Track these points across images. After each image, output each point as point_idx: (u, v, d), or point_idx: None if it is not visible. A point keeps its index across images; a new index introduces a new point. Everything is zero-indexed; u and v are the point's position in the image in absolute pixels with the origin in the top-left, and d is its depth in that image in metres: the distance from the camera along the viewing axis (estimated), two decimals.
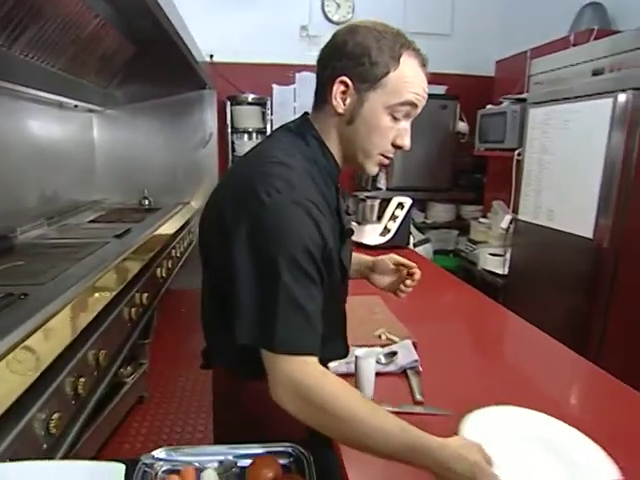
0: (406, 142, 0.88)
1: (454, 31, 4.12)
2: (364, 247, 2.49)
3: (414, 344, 1.24)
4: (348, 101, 0.84)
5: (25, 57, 2.13)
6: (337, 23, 3.96)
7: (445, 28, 4.11)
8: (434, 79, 3.87)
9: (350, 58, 0.82)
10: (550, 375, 1.25)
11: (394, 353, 1.16)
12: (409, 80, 0.83)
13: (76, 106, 3.14)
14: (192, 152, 3.75)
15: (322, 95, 0.88)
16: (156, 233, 2.57)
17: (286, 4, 3.89)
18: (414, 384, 1.05)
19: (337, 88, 0.84)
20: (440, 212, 4.08)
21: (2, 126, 2.35)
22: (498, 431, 0.80)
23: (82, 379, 1.38)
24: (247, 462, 0.75)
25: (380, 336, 1.31)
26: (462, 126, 3.81)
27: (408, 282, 1.14)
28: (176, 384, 2.57)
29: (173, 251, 2.93)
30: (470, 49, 4.05)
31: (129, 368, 2.17)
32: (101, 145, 3.59)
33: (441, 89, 3.85)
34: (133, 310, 1.93)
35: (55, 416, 1.19)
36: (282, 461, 0.76)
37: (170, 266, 2.75)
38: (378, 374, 1.09)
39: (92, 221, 2.97)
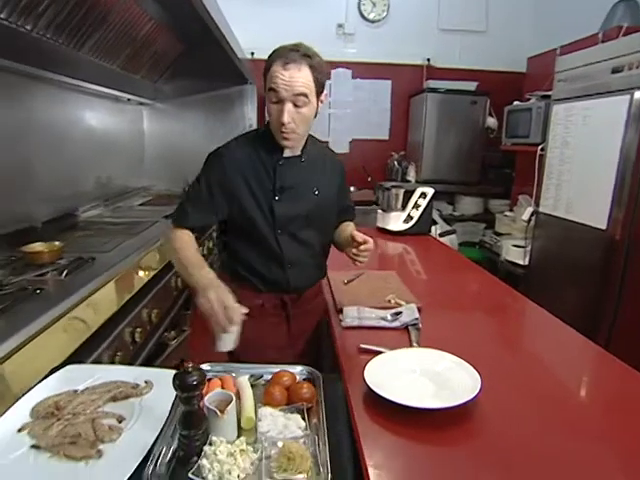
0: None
1: (489, 27, 4.19)
2: (388, 232, 2.67)
3: (419, 308, 1.43)
4: None
5: (90, 57, 2.42)
6: (372, 21, 4.12)
7: (480, 25, 4.18)
8: (465, 75, 4.00)
9: None
10: (553, 352, 1.32)
11: (399, 313, 1.36)
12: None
13: (129, 100, 3.45)
14: None
15: None
16: None
17: (323, 3, 4.08)
18: (413, 336, 1.25)
19: None
20: (468, 205, 4.18)
21: (67, 118, 2.67)
22: (397, 365, 1.06)
23: (138, 329, 1.65)
24: (270, 376, 0.97)
25: (390, 300, 1.50)
26: (491, 122, 3.90)
27: (354, 250, 1.33)
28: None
29: (213, 232, 3.20)
30: (504, 45, 4.11)
31: (173, 332, 2.44)
32: (150, 135, 3.91)
33: (472, 85, 3.94)
34: (179, 280, 2.20)
35: (119, 354, 1.46)
36: (298, 377, 0.98)
37: (210, 246, 3.03)
38: (385, 329, 1.31)
39: (142, 204, 3.29)
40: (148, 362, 1.83)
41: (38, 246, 1.71)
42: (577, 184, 2.47)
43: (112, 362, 1.43)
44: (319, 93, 1.28)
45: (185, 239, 1.28)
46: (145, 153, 3.89)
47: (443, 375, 1.02)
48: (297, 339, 1.47)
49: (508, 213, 3.67)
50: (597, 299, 2.32)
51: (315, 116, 1.31)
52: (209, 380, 0.94)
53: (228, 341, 0.98)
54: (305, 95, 1.21)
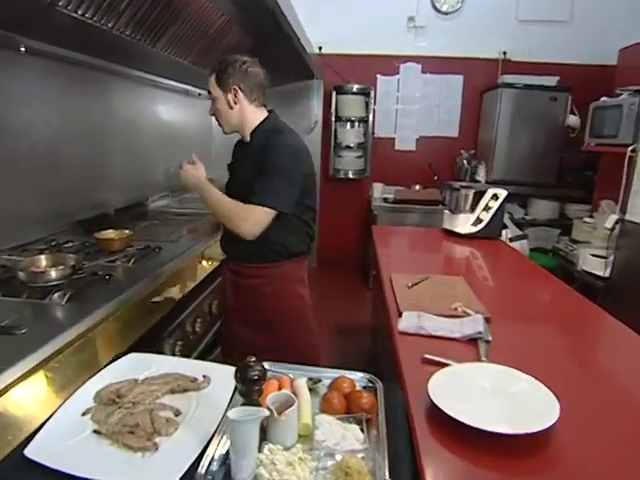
0: None
1: (574, 17, 3.87)
2: (455, 235, 2.53)
3: (487, 319, 1.32)
4: None
5: (164, 53, 2.49)
6: (445, 13, 3.95)
7: (563, 14, 3.87)
8: (545, 69, 3.72)
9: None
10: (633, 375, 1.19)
11: (462, 323, 1.28)
12: None
13: (199, 94, 3.55)
14: None
15: None
16: None
17: None
18: (482, 349, 1.15)
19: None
20: (542, 209, 3.91)
21: (141, 112, 2.78)
22: (464, 380, 0.97)
23: (199, 320, 1.68)
24: (328, 381, 0.93)
25: (457, 308, 1.41)
26: (573, 120, 3.60)
27: None
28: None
29: None
30: (590, 36, 3.78)
31: None
32: (218, 129, 3.98)
33: (552, 80, 3.66)
34: None
35: (179, 343, 1.49)
36: (358, 384, 0.93)
37: None
38: (446, 339, 1.24)
39: None
40: (206, 352, 1.86)
41: (110, 233, 1.79)
42: None
43: (173, 351, 1.46)
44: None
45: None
46: (212, 146, 4.00)
47: (516, 397, 0.92)
48: (241, 309, 1.57)
49: (588, 219, 3.38)
50: None
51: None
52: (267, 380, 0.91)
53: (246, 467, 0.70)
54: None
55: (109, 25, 1.90)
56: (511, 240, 3.28)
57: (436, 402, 0.86)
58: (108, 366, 0.96)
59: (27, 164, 1.83)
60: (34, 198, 1.85)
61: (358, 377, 0.95)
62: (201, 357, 1.77)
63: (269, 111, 1.58)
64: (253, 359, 0.74)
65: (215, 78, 1.48)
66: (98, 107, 2.31)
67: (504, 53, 3.96)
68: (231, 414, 0.68)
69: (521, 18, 3.89)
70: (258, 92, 1.51)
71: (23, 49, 1.75)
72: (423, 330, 1.26)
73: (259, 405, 0.74)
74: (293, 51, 3.00)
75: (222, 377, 0.92)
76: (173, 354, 1.45)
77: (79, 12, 1.68)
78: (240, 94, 1.47)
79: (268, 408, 0.72)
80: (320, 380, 0.94)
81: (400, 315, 1.37)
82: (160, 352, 1.39)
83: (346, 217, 4.45)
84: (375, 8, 3.94)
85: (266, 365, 0.97)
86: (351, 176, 4.18)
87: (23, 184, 1.80)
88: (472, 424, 0.80)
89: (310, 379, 0.94)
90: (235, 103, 1.48)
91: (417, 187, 4.02)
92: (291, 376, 0.94)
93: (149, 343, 1.34)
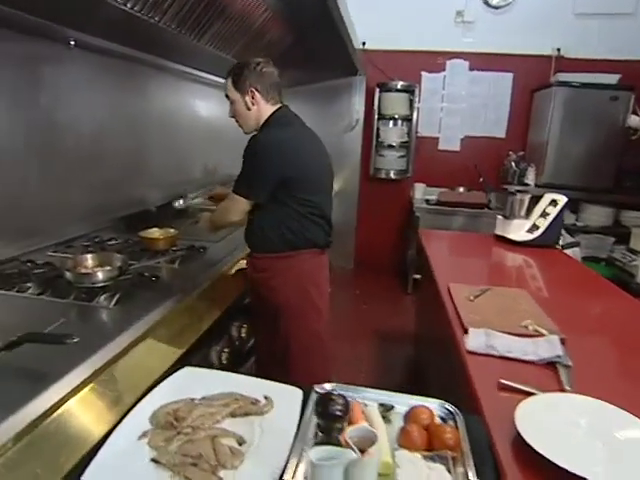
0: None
1: (639, 8, 3.61)
2: (510, 242, 2.38)
3: (562, 340, 1.19)
4: None
5: (208, 47, 2.45)
6: (496, 7, 3.77)
7: (626, 6, 3.60)
8: (604, 67, 3.46)
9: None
10: None
11: (535, 344, 1.16)
12: None
13: None
14: (338, 136, 3.91)
15: None
16: None
17: None
18: (563, 376, 1.03)
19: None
20: (595, 215, 3.68)
21: (180, 106, 2.73)
22: (554, 414, 0.85)
23: (244, 326, 1.61)
24: (403, 408, 0.83)
25: (527, 327, 1.28)
26: (635, 120, 3.36)
27: None
28: None
29: None
30: None
31: None
32: None
33: (613, 78, 3.42)
34: None
35: (226, 350, 1.41)
36: (437, 414, 0.83)
37: None
38: (519, 361, 1.11)
39: None
40: (247, 356, 1.78)
41: (155, 232, 1.74)
42: None
43: (219, 359, 1.39)
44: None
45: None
46: None
47: (621, 443, 0.79)
48: (256, 306, 1.60)
49: None
50: None
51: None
52: None
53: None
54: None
55: (156, 19, 1.86)
56: (563, 247, 3.09)
57: (530, 442, 0.75)
58: (162, 382, 0.89)
59: (73, 158, 1.80)
60: (78, 193, 1.83)
61: (435, 406, 0.85)
62: (244, 363, 1.70)
63: (282, 106, 1.57)
64: (337, 393, 0.65)
65: (232, 82, 1.49)
66: (141, 102, 2.28)
67: (558, 49, 3.74)
68: (313, 456, 0.59)
69: (578, 11, 3.66)
70: (274, 91, 1.51)
71: (72, 43, 1.72)
72: (494, 350, 1.15)
73: (339, 443, 0.64)
74: (339, 45, 2.91)
75: (285, 399, 0.84)
76: (220, 362, 1.39)
77: (128, 5, 1.64)
78: (257, 95, 1.48)
79: (349, 446, 0.63)
80: (392, 407, 0.84)
81: (465, 332, 1.26)
82: (207, 360, 1.32)
83: (385, 218, 4.32)
84: (422, 2, 3.80)
85: (327, 386, 0.88)
86: (392, 176, 4.05)
87: (68, 178, 1.78)
88: (581, 474, 0.69)
89: (381, 405, 0.84)
90: (253, 104, 1.49)
91: (461, 189, 3.86)
92: (357, 399, 0.84)
93: (196, 351, 1.28)
